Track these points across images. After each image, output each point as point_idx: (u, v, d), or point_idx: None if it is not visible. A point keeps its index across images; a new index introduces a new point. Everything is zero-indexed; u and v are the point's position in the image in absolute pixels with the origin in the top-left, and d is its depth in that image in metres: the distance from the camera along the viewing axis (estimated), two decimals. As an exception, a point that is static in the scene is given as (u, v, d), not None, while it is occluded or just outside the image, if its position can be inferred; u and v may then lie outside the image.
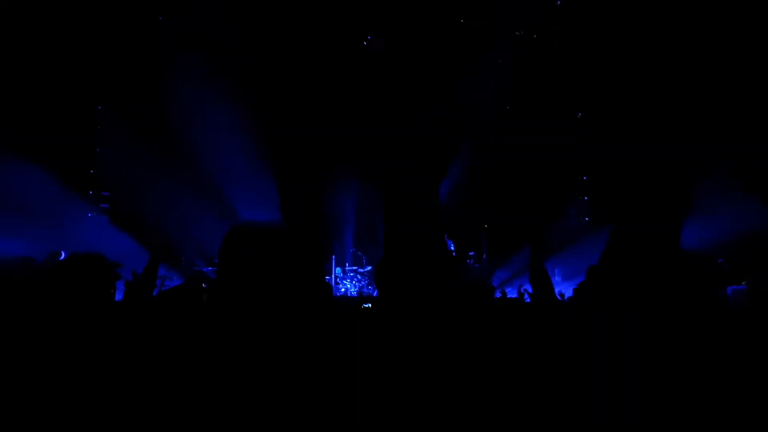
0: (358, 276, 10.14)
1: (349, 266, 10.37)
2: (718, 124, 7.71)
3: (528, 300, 3.90)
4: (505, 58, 10.30)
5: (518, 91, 10.23)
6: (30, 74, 8.39)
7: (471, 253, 10.56)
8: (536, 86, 10.13)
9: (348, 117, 9.87)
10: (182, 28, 9.32)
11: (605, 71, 9.19)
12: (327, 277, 9.80)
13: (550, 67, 9.95)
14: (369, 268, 9.88)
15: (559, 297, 3.78)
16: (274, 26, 9.65)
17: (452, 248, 10.43)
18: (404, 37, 9.82)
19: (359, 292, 9.72)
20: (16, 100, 8.22)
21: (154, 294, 5.53)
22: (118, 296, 2.39)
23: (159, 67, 9.18)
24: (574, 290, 4.15)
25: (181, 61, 9.11)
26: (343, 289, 9.98)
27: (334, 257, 10.33)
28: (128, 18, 9.19)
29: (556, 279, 8.74)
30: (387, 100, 9.96)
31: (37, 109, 8.44)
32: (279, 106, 10.06)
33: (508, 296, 6.17)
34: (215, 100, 9.36)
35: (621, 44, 8.73)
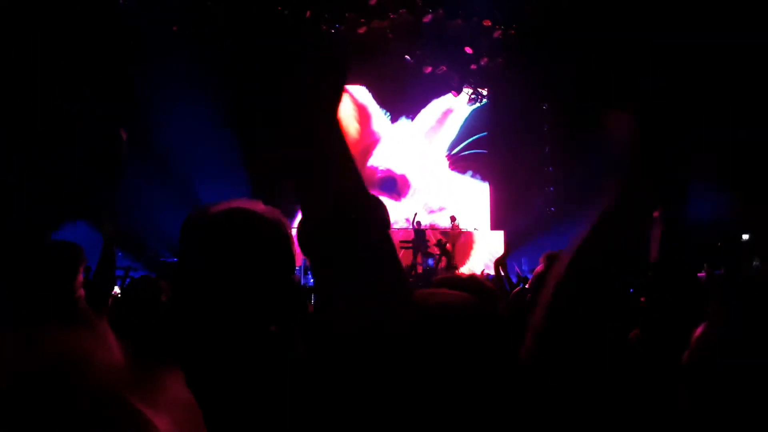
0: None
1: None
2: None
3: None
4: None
5: None
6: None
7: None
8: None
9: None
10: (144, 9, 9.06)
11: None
12: (298, 267, 9.70)
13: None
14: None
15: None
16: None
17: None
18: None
19: None
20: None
21: (118, 285, 5.37)
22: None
23: (122, 51, 8.91)
24: (530, 280, 4.04)
25: (145, 46, 8.86)
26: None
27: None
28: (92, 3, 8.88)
29: (524, 269, 8.84)
30: None
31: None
32: (244, 89, 9.87)
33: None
34: (181, 84, 9.15)
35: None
